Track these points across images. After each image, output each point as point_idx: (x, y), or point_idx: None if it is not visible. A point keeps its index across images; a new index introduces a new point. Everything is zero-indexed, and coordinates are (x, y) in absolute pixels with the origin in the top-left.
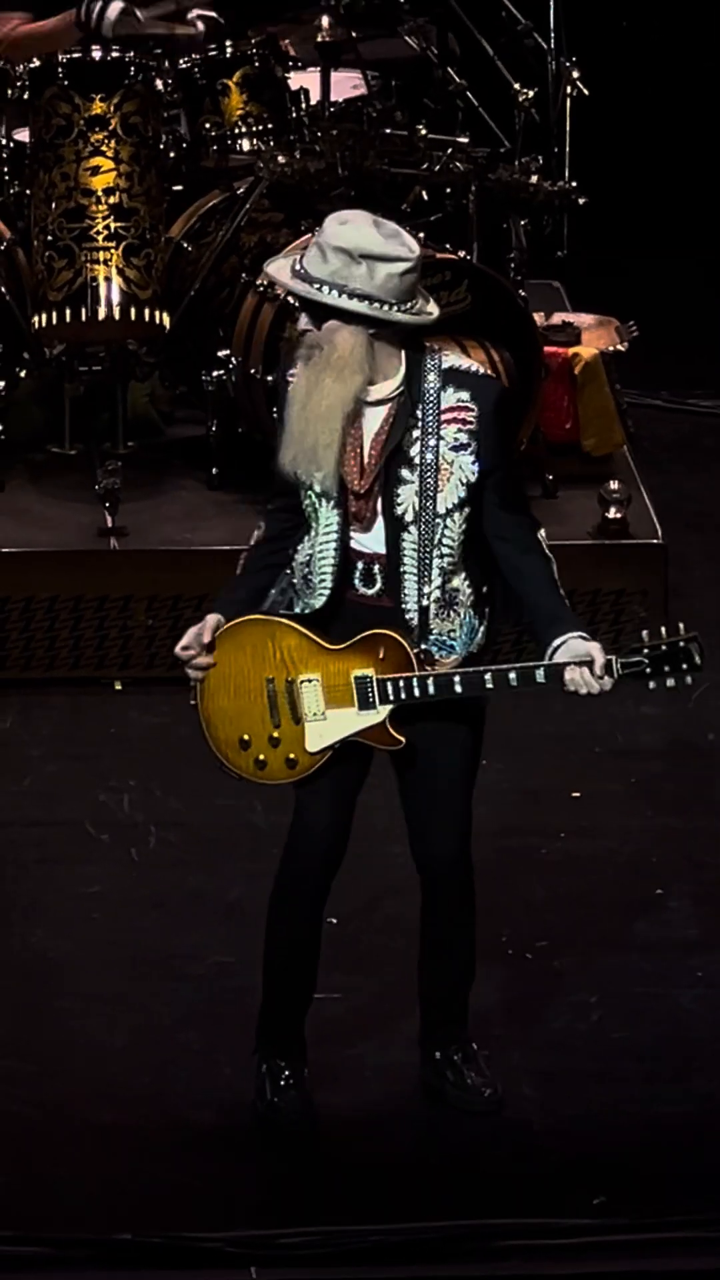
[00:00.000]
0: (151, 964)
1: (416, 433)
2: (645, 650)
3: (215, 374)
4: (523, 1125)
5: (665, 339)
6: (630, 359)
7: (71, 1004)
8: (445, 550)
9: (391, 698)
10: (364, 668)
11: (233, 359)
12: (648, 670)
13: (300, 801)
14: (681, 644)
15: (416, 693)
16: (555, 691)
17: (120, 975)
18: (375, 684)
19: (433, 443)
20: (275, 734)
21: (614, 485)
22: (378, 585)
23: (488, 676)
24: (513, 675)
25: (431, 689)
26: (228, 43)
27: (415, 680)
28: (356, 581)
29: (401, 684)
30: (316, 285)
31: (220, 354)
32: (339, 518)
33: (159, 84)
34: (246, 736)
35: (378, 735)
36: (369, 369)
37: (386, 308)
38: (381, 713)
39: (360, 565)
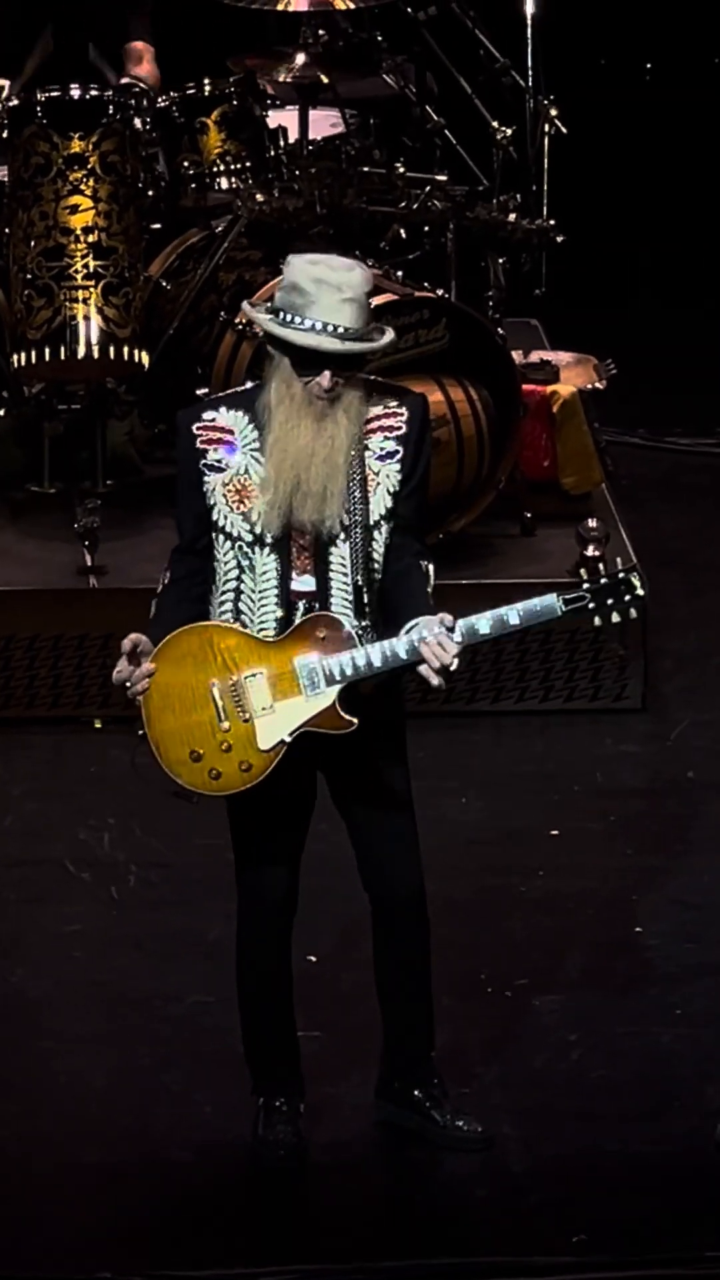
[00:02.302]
0: (132, 1003)
1: None
2: (585, 585)
3: None
4: (503, 1163)
5: (643, 377)
6: (608, 397)
7: (52, 1043)
8: (374, 565)
9: (337, 677)
10: (306, 652)
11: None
12: (590, 606)
13: (251, 864)
14: (620, 574)
15: (361, 667)
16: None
17: (100, 1014)
18: (320, 666)
19: (359, 455)
20: (227, 739)
21: (592, 523)
22: None
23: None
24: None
25: (376, 661)
26: (206, 81)
27: (358, 654)
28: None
29: (345, 661)
30: (372, 337)
31: (199, 392)
32: (277, 562)
33: (137, 123)
34: (199, 750)
35: (329, 719)
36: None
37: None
38: (330, 695)
39: (302, 606)
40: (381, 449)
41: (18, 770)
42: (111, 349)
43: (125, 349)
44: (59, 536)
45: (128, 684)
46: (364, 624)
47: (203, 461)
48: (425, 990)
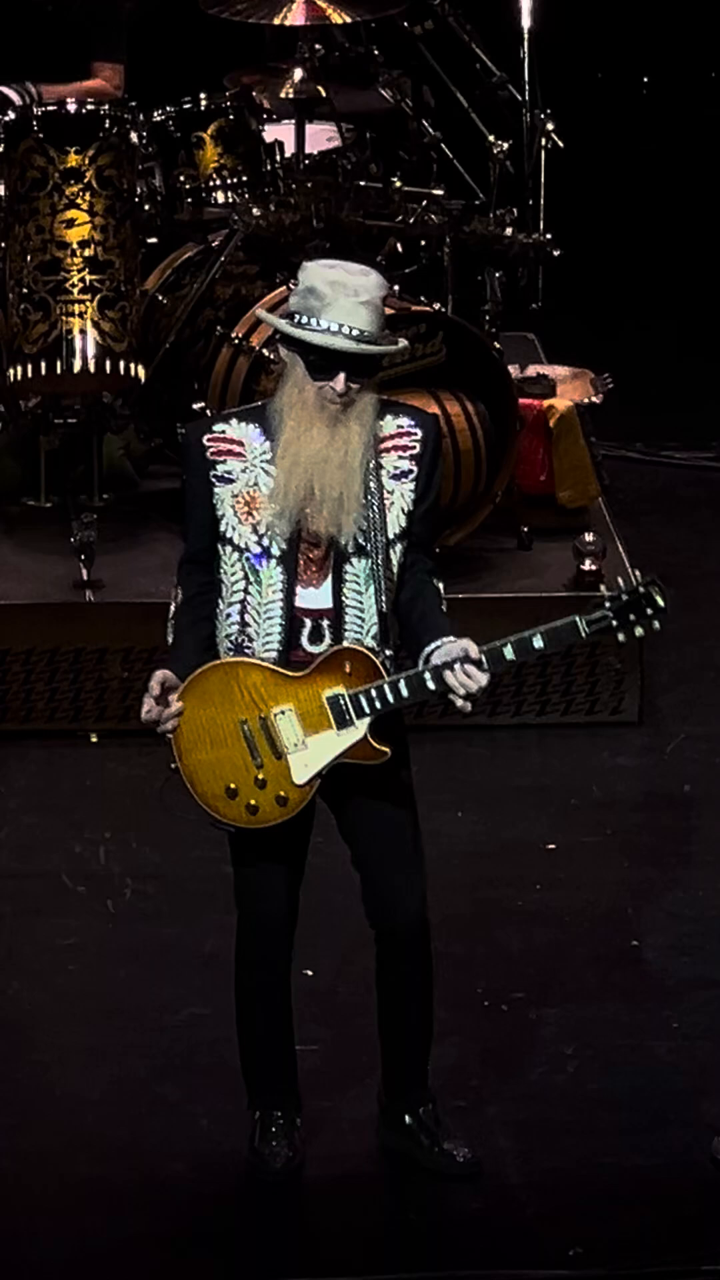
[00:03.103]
0: (128, 1015)
1: None
2: (607, 603)
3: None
4: (499, 1176)
5: (640, 391)
6: (605, 411)
7: (47, 1055)
8: (387, 585)
9: (368, 710)
10: (333, 686)
11: (207, 411)
12: (614, 623)
13: (251, 890)
14: (641, 589)
15: (390, 699)
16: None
17: (96, 1027)
18: (349, 700)
19: (375, 473)
20: (260, 775)
21: (589, 537)
22: (326, 641)
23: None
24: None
25: (405, 691)
26: (202, 95)
27: (387, 686)
28: (304, 641)
29: (374, 693)
30: (388, 341)
31: (195, 406)
32: (283, 575)
33: (134, 137)
34: (232, 785)
35: (362, 751)
36: None
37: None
38: (361, 728)
39: (309, 623)
40: (396, 468)
41: (13, 784)
42: (108, 363)
43: (121, 363)
44: (55, 550)
45: (157, 723)
46: (387, 652)
47: (213, 473)
48: (426, 1019)
